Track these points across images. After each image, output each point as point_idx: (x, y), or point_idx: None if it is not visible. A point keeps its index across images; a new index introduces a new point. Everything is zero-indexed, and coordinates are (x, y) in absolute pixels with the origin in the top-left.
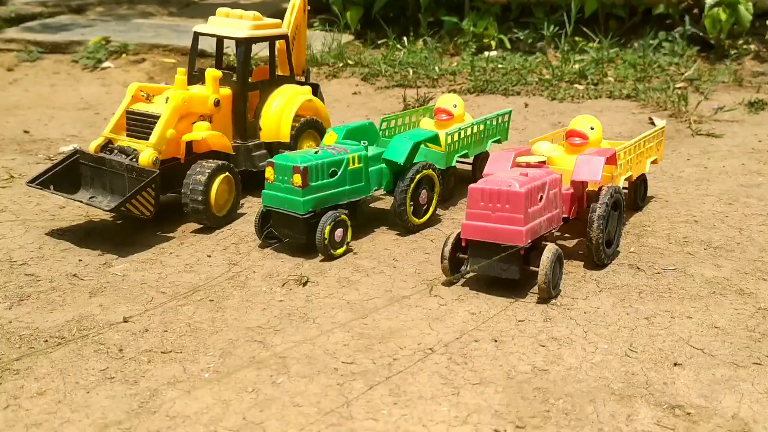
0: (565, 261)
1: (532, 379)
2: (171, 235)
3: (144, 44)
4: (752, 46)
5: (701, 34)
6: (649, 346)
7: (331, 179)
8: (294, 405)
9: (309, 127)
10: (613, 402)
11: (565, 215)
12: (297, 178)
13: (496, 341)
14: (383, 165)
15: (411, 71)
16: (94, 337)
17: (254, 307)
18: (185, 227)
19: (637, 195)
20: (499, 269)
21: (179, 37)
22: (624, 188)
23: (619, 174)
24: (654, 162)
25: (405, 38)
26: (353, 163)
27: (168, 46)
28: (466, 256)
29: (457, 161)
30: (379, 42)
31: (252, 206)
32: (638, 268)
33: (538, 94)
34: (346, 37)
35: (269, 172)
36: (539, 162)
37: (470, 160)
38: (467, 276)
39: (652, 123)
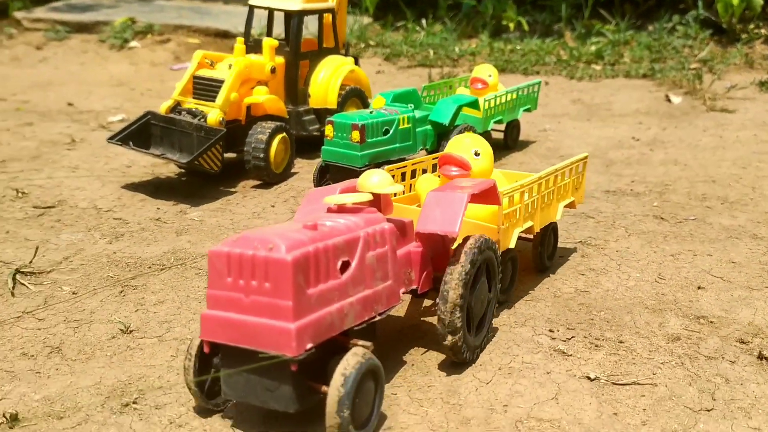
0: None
1: (575, 297)
2: (233, 189)
3: (168, 25)
4: (762, 30)
5: (714, 18)
6: (675, 275)
7: (384, 137)
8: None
9: (353, 96)
10: (647, 314)
11: (413, 286)
12: (355, 135)
13: (539, 271)
14: (428, 126)
15: (431, 52)
16: (191, 264)
17: None
18: (245, 183)
19: (543, 251)
20: (261, 394)
21: (201, 18)
22: (527, 238)
23: (510, 225)
24: (570, 206)
25: (423, 20)
26: (403, 123)
27: (191, 27)
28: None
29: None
30: (398, 24)
31: (302, 166)
32: (662, 219)
33: (557, 74)
34: (366, 20)
35: (329, 130)
36: (359, 204)
37: (502, 127)
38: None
39: (669, 100)
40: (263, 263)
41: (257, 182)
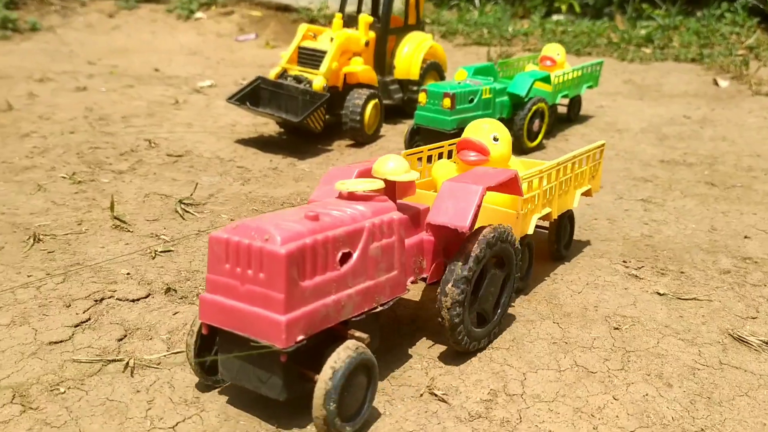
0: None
1: (642, 240)
2: (330, 147)
3: None
4: None
5: (761, 6)
6: (725, 227)
7: (470, 105)
8: None
9: (432, 69)
10: (703, 253)
11: (424, 275)
12: (447, 102)
13: (609, 220)
14: (506, 97)
15: (486, 31)
16: None
17: None
18: (339, 143)
19: (559, 240)
20: (254, 379)
21: None
22: (542, 228)
23: (528, 211)
24: (587, 194)
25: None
26: (485, 94)
27: (254, 0)
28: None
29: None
30: (452, 3)
31: (387, 130)
32: (712, 185)
33: (608, 55)
34: None
35: (422, 97)
36: (370, 191)
37: (565, 102)
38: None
39: (716, 84)
40: (258, 253)
41: (350, 142)
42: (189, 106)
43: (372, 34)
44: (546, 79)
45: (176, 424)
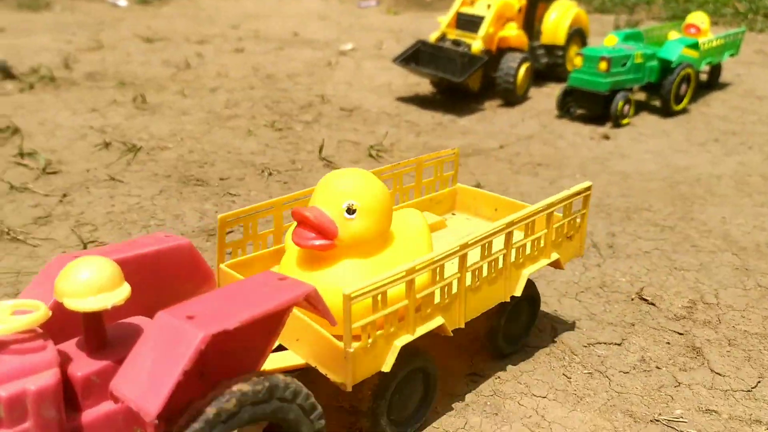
0: None
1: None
2: (482, 107)
3: None
4: None
5: None
6: None
7: (622, 68)
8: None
9: (576, 35)
10: None
11: None
12: (603, 65)
13: (761, 177)
14: (656, 62)
15: None
16: (487, 154)
17: (580, 150)
18: (490, 103)
19: (494, 333)
20: None
21: None
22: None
23: (384, 336)
24: (555, 264)
25: None
26: (638, 58)
27: None
28: None
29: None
30: None
31: (533, 93)
32: None
33: (736, 25)
34: None
35: (578, 60)
36: (15, 332)
37: (706, 69)
38: None
39: None
40: None
41: (500, 102)
42: (341, 67)
43: (524, 1)
44: (694, 46)
45: None
